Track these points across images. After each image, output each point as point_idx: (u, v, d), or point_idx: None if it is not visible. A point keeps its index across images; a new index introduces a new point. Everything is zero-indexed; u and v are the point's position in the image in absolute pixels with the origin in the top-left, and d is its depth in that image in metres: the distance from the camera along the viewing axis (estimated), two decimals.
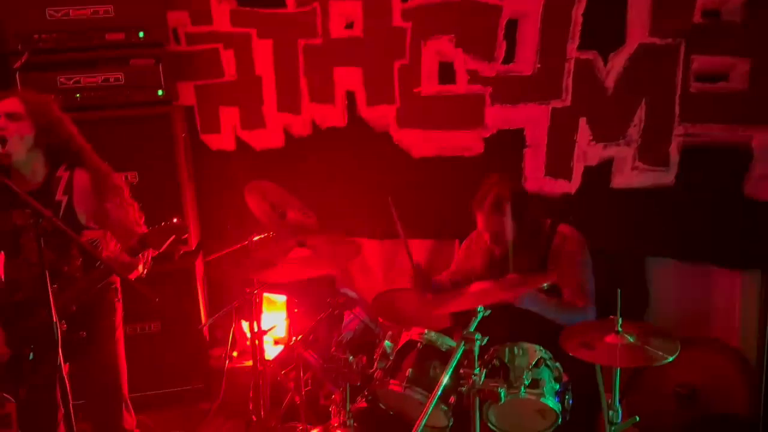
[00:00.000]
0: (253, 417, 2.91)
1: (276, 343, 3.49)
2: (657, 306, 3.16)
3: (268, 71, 3.73)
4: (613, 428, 2.23)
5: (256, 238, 2.86)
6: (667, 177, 3.18)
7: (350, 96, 3.61)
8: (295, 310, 3.20)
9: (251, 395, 2.92)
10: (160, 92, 3.47)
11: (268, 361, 3.04)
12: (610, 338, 2.18)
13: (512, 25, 3.28)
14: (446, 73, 3.43)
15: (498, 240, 2.75)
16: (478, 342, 2.16)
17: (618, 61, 3.16)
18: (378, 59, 3.51)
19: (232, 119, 3.85)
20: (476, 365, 2.17)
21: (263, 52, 3.71)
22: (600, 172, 3.29)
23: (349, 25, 3.53)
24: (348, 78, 3.58)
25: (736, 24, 2.94)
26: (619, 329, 2.18)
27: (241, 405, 3.16)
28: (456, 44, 3.38)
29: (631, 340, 2.16)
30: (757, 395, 2.91)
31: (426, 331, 2.49)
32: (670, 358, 2.11)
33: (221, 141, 3.89)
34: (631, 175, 3.24)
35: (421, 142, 3.56)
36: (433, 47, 3.42)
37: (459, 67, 3.39)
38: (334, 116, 3.66)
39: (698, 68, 3.04)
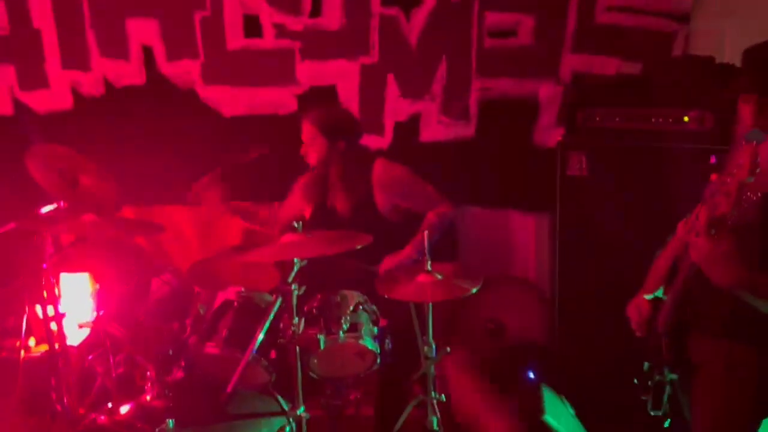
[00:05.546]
0: (58, 407, 2.62)
1: (81, 326, 3.17)
2: (464, 250, 3.37)
3: (49, 24, 3.30)
4: (428, 362, 2.36)
5: (44, 210, 2.55)
6: (467, 130, 3.40)
7: (147, 51, 3.32)
8: (97, 286, 2.92)
9: (53, 384, 2.63)
10: None
11: (72, 346, 2.75)
12: (420, 277, 2.28)
13: None
14: (253, 27, 3.29)
15: (315, 145, 2.76)
16: (296, 292, 2.14)
17: (419, 18, 3.27)
18: (176, 10, 3.26)
19: (8, 79, 3.37)
20: (295, 316, 2.15)
21: (41, 2, 3.27)
22: (409, 127, 3.42)
23: None
24: (143, 30, 3.28)
25: None
26: (429, 268, 2.29)
27: (44, 397, 2.84)
28: None
29: (440, 277, 2.29)
30: (552, 323, 3.26)
31: (243, 289, 2.40)
32: (474, 290, 2.26)
33: None
34: (436, 129, 3.41)
35: (231, 100, 3.40)
36: None
37: (265, 20, 3.27)
38: (130, 73, 3.34)
39: (490, 24, 3.26)
